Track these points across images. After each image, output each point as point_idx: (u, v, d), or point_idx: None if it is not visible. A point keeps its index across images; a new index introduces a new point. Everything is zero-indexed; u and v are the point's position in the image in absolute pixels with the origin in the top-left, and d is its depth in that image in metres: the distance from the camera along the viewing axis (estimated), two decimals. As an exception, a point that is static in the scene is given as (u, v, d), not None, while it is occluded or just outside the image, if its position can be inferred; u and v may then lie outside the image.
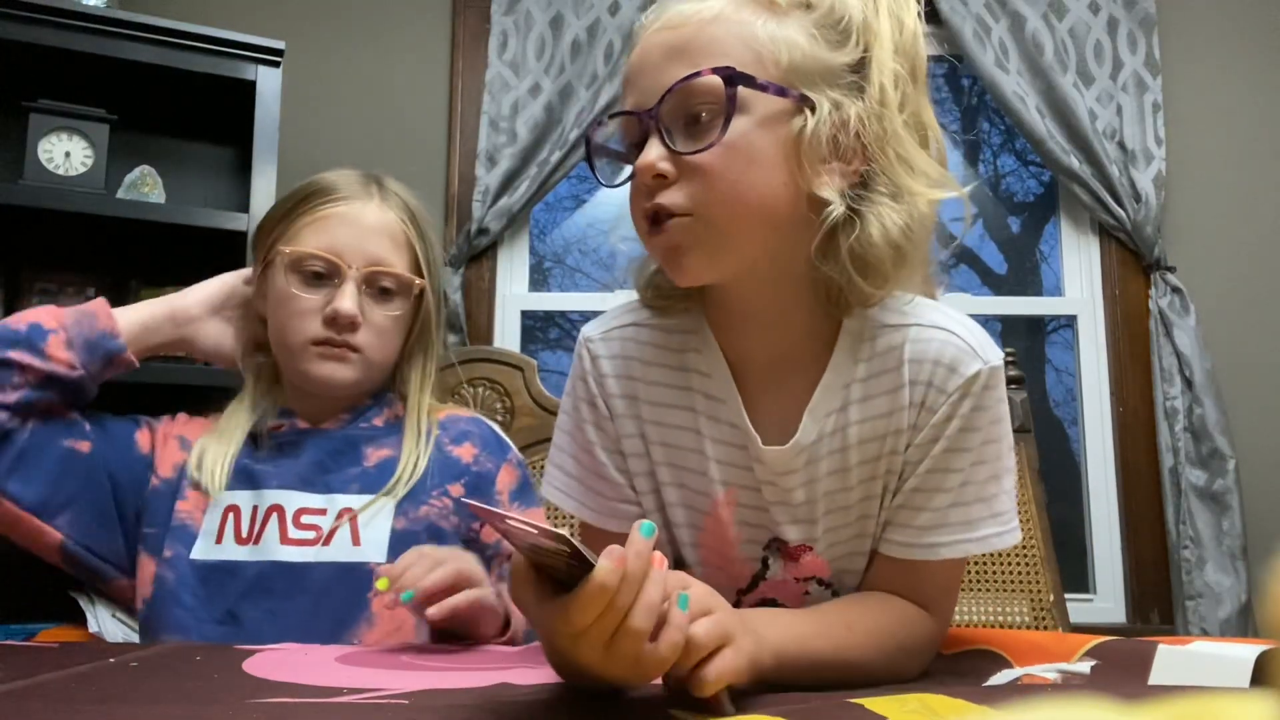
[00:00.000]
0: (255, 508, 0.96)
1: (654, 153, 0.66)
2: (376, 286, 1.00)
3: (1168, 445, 2.13)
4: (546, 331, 2.49)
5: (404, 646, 0.82)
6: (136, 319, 0.99)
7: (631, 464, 0.78)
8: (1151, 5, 2.27)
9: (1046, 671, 0.69)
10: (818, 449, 0.72)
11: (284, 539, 0.95)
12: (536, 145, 2.20)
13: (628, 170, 0.70)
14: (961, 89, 2.53)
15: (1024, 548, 1.26)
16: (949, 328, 0.71)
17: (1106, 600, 2.18)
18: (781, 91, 0.66)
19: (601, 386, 0.78)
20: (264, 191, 1.78)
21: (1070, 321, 2.34)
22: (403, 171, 1.10)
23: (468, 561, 0.86)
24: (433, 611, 0.79)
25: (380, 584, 0.80)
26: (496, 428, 1.11)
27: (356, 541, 0.95)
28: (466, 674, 0.66)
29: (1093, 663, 0.69)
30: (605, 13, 2.25)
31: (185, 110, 1.97)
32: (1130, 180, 2.20)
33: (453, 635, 0.85)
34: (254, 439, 1.02)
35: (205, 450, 0.99)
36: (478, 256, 2.23)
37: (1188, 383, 2.13)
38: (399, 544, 0.94)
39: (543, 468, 0.84)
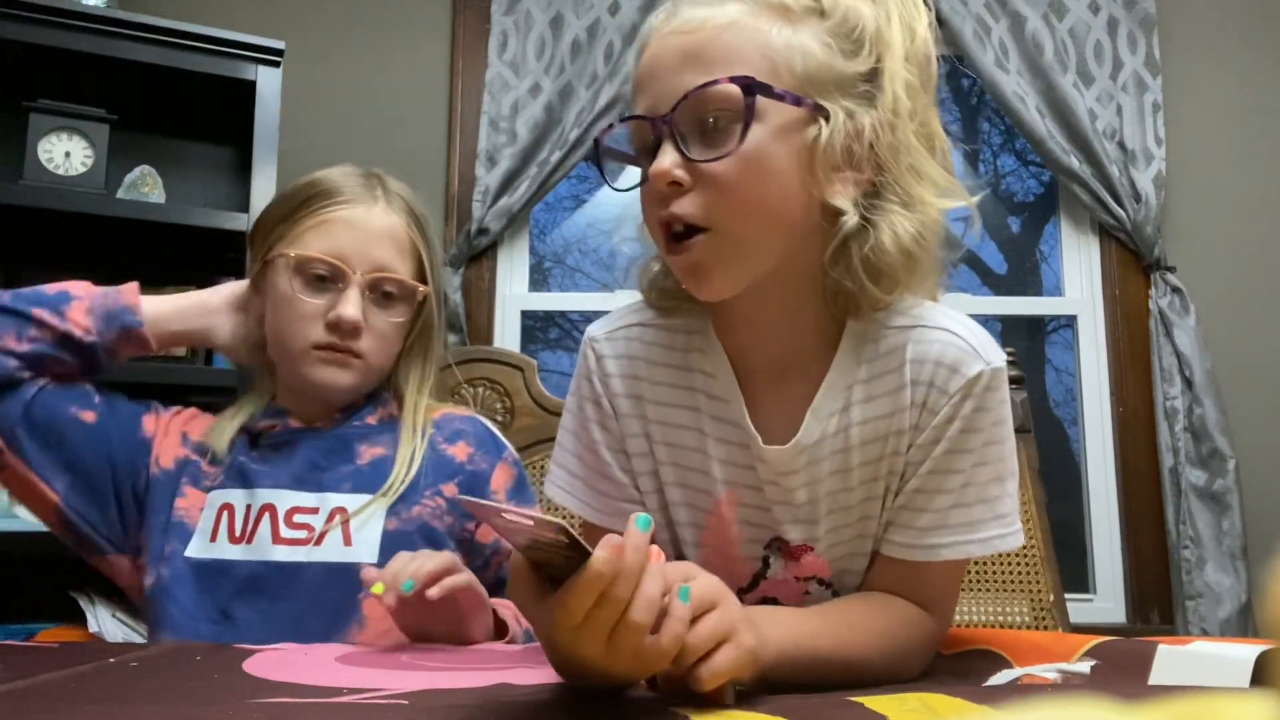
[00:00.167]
0: (249, 506, 0.97)
1: (669, 159, 0.66)
2: (380, 292, 1.00)
3: (1168, 445, 2.13)
4: (546, 331, 2.49)
5: (404, 646, 0.82)
6: (164, 303, 1.01)
7: (635, 463, 0.78)
8: (1151, 5, 2.27)
9: (1046, 671, 0.69)
10: (820, 449, 0.72)
11: (276, 538, 0.95)
12: (536, 145, 2.20)
13: (637, 174, 0.70)
14: (961, 89, 2.53)
15: (1024, 548, 1.26)
16: (951, 329, 0.71)
17: (1106, 600, 2.18)
18: (797, 100, 0.66)
19: (606, 386, 0.78)
20: (264, 191, 1.78)
21: (1070, 321, 2.34)
22: (403, 171, 1.09)
23: (456, 559, 0.86)
24: (433, 591, 0.78)
25: (375, 589, 0.80)
26: (492, 426, 1.11)
27: (348, 542, 0.95)
28: (466, 674, 0.66)
29: (1093, 663, 0.69)
30: (605, 13, 2.25)
31: (185, 110, 1.97)
32: (1130, 180, 2.20)
33: (435, 639, 0.85)
34: (252, 438, 1.02)
35: (217, 425, 1.02)
36: (478, 256, 2.23)
37: (1188, 383, 2.13)
38: (391, 545, 0.94)
39: (544, 468, 0.84)
